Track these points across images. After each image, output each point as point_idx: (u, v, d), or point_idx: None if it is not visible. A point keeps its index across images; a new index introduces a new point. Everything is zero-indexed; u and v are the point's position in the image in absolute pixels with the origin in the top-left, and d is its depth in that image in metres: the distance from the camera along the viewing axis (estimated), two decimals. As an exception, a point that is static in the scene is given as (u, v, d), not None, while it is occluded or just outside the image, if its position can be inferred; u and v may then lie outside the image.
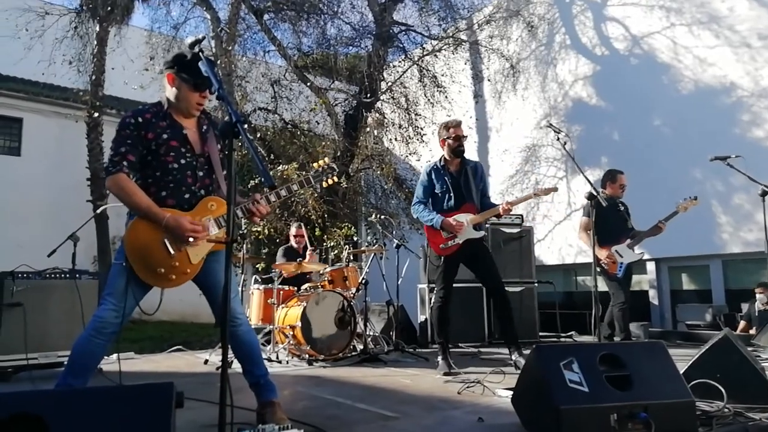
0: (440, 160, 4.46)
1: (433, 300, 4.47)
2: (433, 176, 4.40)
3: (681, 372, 2.81)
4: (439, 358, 4.27)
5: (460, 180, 4.37)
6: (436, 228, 4.28)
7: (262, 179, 1.90)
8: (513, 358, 4.17)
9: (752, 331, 6.88)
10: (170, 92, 2.56)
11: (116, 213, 10.76)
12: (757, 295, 7.25)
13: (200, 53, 2.26)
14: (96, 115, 10.47)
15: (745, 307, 7.69)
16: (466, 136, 4.45)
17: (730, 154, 4.38)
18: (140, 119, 2.49)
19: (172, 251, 2.43)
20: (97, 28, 10.52)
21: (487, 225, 6.12)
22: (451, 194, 4.34)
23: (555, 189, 4.69)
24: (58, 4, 10.82)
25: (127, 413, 1.75)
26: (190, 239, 2.41)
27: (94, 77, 10.52)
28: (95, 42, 10.52)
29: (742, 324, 7.45)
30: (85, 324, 4.17)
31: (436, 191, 4.38)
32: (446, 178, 4.37)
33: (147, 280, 2.46)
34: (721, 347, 2.98)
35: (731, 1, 8.60)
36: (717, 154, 4.56)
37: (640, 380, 2.33)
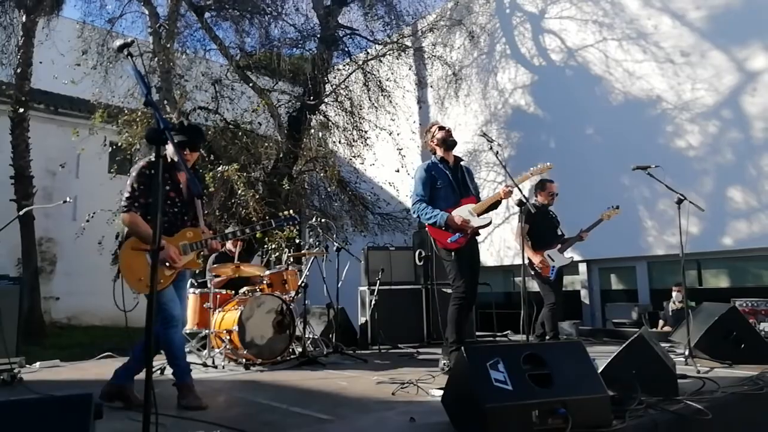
0: (436, 157, 4.45)
1: (451, 298, 4.18)
2: (433, 172, 4.33)
3: (601, 368, 2.98)
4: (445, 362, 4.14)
5: (458, 175, 4.38)
6: (440, 226, 4.17)
7: (188, 187, 1.92)
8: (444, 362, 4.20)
9: (667, 328, 7.35)
10: (172, 152, 3.27)
11: (44, 213, 10.25)
12: (673, 294, 7.74)
13: (132, 58, 2.24)
14: (21, 110, 9.88)
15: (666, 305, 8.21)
16: (450, 128, 4.46)
17: (650, 164, 4.66)
18: (153, 171, 3.17)
19: None
20: (24, 19, 9.93)
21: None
22: (453, 188, 4.29)
23: (550, 167, 4.68)
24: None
25: (42, 428, 1.69)
26: (167, 263, 3.20)
27: (19, 70, 9.92)
28: (21, 33, 9.92)
29: (662, 322, 7.93)
30: (4, 332, 3.96)
31: (438, 186, 4.30)
32: (446, 173, 4.33)
33: (130, 284, 3.13)
34: (637, 345, 3.18)
35: (657, 19, 9.16)
36: (640, 164, 4.83)
37: (560, 378, 2.46)
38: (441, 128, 4.44)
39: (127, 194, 3.23)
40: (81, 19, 10.44)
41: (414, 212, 4.38)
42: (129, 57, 2.27)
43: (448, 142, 4.40)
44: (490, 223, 4.26)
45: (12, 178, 9.75)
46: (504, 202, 4.39)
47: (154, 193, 3.27)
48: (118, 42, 2.32)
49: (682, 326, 4.84)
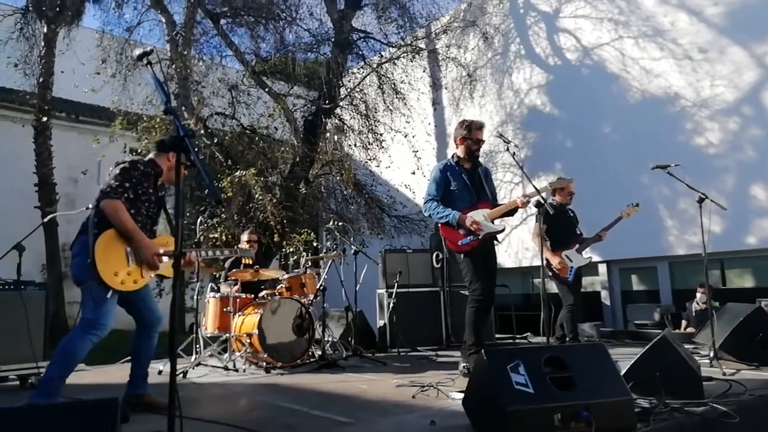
0: (453, 157, 4.36)
1: (468, 300, 4.13)
2: (449, 173, 4.26)
3: (624, 370, 2.95)
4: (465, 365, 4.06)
5: (475, 178, 4.31)
6: (452, 225, 4.12)
7: (207, 192, 1.95)
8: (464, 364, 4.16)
9: (690, 329, 7.21)
10: (167, 165, 3.31)
11: (66, 220, 10.43)
12: (698, 295, 7.60)
13: (151, 67, 2.30)
14: (44, 119, 10.09)
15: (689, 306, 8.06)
16: (484, 141, 4.35)
17: (670, 163, 4.59)
18: (147, 170, 3.22)
19: (129, 263, 3.09)
20: (45, 30, 10.16)
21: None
22: (468, 191, 4.22)
23: (570, 180, 4.69)
24: (2, 3, 10.39)
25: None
26: (150, 262, 3.10)
27: (42, 80, 10.14)
28: (43, 44, 10.14)
29: (685, 323, 7.79)
30: (32, 337, 4.03)
31: (451, 188, 4.23)
32: (463, 176, 4.26)
33: (103, 276, 3.00)
34: (661, 347, 3.13)
35: (673, 15, 9.03)
36: (659, 162, 4.76)
37: (582, 381, 2.43)
38: (477, 140, 4.26)
39: (116, 183, 3.10)
40: (100, 29, 10.65)
41: (425, 211, 4.33)
42: (148, 65, 2.32)
43: (473, 156, 4.32)
44: (503, 229, 4.20)
45: (36, 186, 9.96)
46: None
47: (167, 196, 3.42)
48: (138, 51, 2.40)
49: (707, 327, 4.76)
